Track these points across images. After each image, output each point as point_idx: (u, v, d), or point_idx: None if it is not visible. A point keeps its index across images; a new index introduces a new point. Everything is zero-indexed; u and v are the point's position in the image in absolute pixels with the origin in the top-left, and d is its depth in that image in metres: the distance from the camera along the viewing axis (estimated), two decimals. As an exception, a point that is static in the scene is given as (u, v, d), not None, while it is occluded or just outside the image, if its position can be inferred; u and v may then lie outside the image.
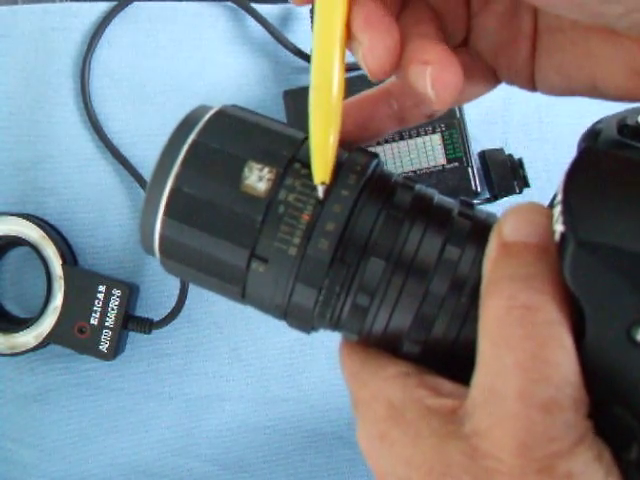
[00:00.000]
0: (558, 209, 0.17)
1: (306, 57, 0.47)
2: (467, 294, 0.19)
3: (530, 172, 0.45)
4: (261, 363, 0.46)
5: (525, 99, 0.46)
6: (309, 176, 0.20)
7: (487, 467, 0.16)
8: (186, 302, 0.45)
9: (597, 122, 0.22)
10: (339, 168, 0.21)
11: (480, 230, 0.20)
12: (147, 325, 0.44)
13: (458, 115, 0.44)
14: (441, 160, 0.44)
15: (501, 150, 0.46)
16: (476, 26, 0.23)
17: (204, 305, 0.46)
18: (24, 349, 0.43)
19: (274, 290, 0.21)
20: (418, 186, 0.21)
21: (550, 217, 0.18)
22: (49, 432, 0.44)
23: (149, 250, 0.22)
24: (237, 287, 0.21)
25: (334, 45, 0.21)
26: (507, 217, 0.19)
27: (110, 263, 0.46)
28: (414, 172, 0.44)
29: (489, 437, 0.16)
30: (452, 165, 0.44)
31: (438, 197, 0.21)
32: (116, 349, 0.43)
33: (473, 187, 0.44)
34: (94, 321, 0.42)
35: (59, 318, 0.42)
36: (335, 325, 0.21)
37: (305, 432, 0.45)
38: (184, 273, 0.22)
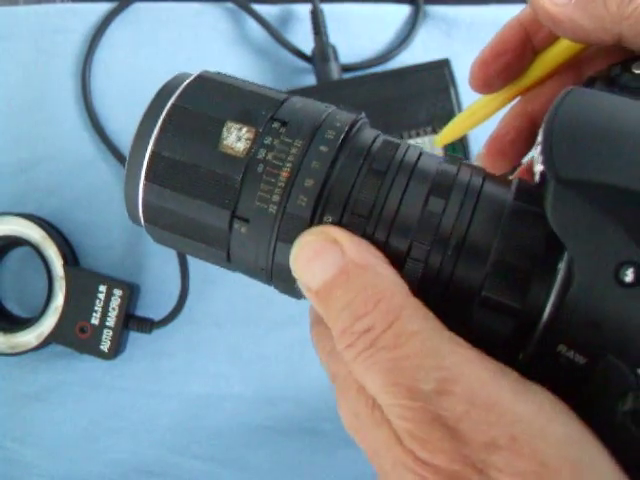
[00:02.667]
0: (538, 149, 0.17)
1: (306, 57, 0.47)
2: (452, 248, 0.19)
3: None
4: (261, 363, 0.46)
5: (525, 99, 0.46)
6: (288, 134, 0.20)
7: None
8: (186, 302, 0.45)
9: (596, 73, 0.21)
10: (320, 125, 0.20)
11: (465, 184, 0.19)
12: (148, 325, 0.44)
13: (458, 115, 0.45)
14: (441, 160, 0.44)
15: (501, 150, 0.46)
16: None
17: (204, 305, 0.46)
18: (25, 349, 0.43)
19: (257, 251, 0.20)
20: (403, 143, 0.21)
21: (322, 234, 0.19)
22: (50, 431, 0.45)
23: (135, 219, 0.22)
24: (221, 250, 0.21)
25: None
26: (297, 270, 0.19)
27: (111, 263, 0.46)
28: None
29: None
30: (452, 165, 0.44)
31: (424, 153, 0.21)
32: (117, 349, 0.43)
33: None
34: (95, 321, 0.43)
35: (60, 318, 0.43)
36: None
37: (305, 432, 0.45)
38: (170, 240, 0.22)
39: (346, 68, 0.47)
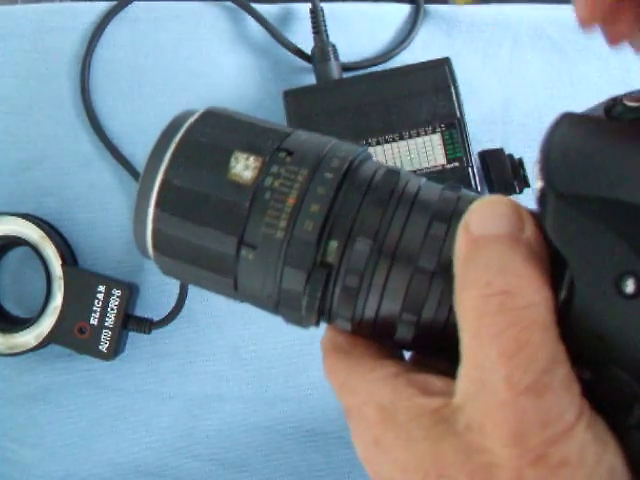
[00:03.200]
0: (537, 167, 0.17)
1: (306, 57, 0.47)
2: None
3: (530, 172, 0.45)
4: (261, 363, 0.46)
5: (525, 99, 0.46)
6: (294, 163, 0.21)
7: (483, 462, 0.16)
8: (186, 302, 0.45)
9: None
10: (324, 155, 0.21)
11: (465, 209, 0.20)
12: (147, 325, 0.44)
13: (458, 115, 0.44)
14: (441, 160, 0.44)
15: (501, 150, 0.46)
16: None
17: (204, 305, 0.46)
18: (24, 349, 0.43)
19: (264, 278, 0.21)
20: (404, 171, 0.22)
21: (515, 207, 0.18)
22: (49, 432, 0.45)
23: (143, 249, 0.23)
24: (229, 278, 0.21)
25: None
26: (472, 213, 0.19)
27: (110, 263, 0.46)
28: (414, 172, 0.44)
29: (482, 431, 0.16)
30: (452, 165, 0.44)
31: (425, 182, 0.21)
32: (116, 349, 0.43)
33: (473, 187, 0.44)
34: (94, 321, 0.42)
35: (59, 318, 0.42)
36: (328, 314, 0.21)
37: (305, 432, 0.45)
38: (178, 270, 0.23)
39: (346, 67, 0.47)
